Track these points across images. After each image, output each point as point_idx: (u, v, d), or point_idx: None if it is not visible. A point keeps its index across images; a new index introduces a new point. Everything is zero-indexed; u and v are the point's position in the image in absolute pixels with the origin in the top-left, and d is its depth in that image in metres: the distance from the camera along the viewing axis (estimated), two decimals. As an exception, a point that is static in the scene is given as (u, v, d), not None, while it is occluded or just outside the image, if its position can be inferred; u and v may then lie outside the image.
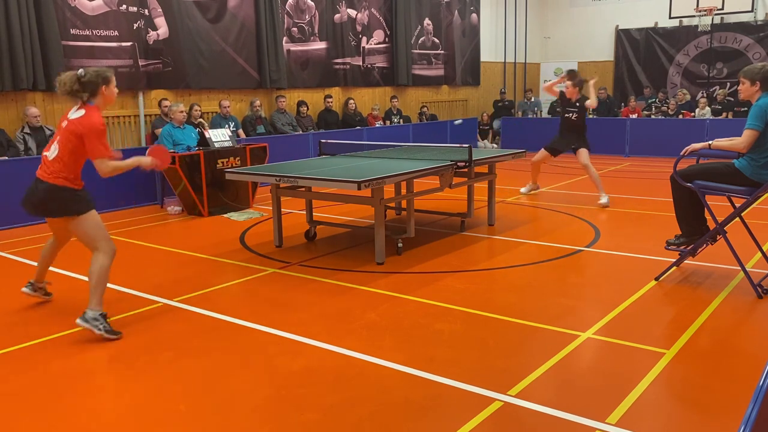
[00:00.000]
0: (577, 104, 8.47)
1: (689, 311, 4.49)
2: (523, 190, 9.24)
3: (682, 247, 5.13)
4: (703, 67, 16.31)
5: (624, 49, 17.36)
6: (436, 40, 15.12)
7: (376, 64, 13.66)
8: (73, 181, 4.19)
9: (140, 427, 3.11)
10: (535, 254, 6.05)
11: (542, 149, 8.84)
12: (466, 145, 6.85)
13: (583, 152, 8.42)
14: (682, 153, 4.96)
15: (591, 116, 8.78)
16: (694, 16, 15.58)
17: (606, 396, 3.30)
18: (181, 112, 8.64)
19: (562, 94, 8.62)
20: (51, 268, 5.00)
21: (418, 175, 6.04)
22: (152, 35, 9.66)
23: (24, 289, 4.82)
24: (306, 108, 11.86)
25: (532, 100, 16.70)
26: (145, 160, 4.38)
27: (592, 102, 8.50)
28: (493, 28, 17.08)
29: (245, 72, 11.01)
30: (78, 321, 4.17)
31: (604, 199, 8.28)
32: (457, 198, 8.49)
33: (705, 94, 15.85)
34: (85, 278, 5.44)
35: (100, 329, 4.14)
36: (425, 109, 14.58)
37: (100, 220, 4.30)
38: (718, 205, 5.04)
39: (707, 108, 13.99)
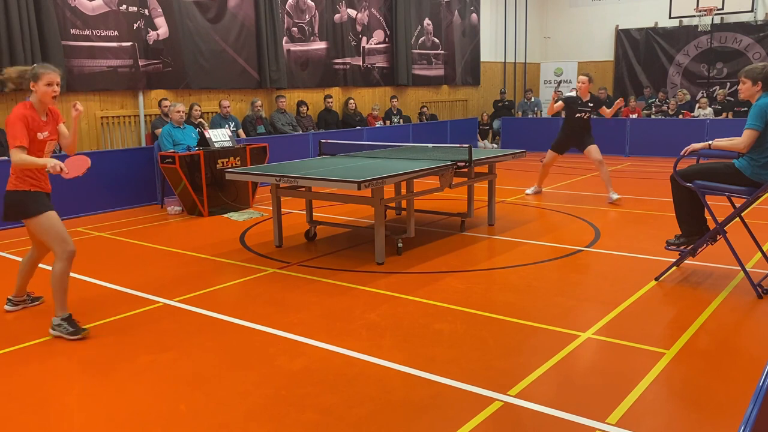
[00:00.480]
0: (591, 104, 8.50)
1: (689, 311, 4.49)
2: (528, 191, 9.24)
3: (682, 247, 5.13)
4: (703, 67, 16.31)
5: (624, 49, 17.36)
6: (436, 40, 15.12)
7: (376, 64, 13.66)
8: (22, 180, 4.14)
9: (140, 427, 3.11)
10: (535, 254, 6.05)
11: (550, 150, 8.84)
12: (466, 145, 6.85)
13: (594, 148, 8.48)
14: (682, 153, 4.96)
15: (594, 116, 8.80)
16: (694, 16, 15.59)
17: (606, 396, 3.30)
18: (178, 112, 8.61)
19: (571, 98, 8.58)
20: (45, 266, 4.99)
21: (418, 175, 6.04)
22: (152, 35, 9.66)
23: (6, 307, 4.76)
24: (306, 108, 11.86)
25: (532, 100, 16.69)
26: (51, 163, 3.99)
27: (610, 111, 8.77)
28: (493, 28, 17.08)
29: (245, 72, 11.01)
30: (50, 331, 4.21)
31: (615, 196, 8.36)
32: (457, 198, 8.49)
33: (705, 94, 15.84)
34: (84, 278, 5.46)
35: (62, 333, 4.17)
36: (425, 109, 14.58)
37: (55, 222, 4.20)
38: (718, 205, 5.04)
39: (708, 108, 13.99)
